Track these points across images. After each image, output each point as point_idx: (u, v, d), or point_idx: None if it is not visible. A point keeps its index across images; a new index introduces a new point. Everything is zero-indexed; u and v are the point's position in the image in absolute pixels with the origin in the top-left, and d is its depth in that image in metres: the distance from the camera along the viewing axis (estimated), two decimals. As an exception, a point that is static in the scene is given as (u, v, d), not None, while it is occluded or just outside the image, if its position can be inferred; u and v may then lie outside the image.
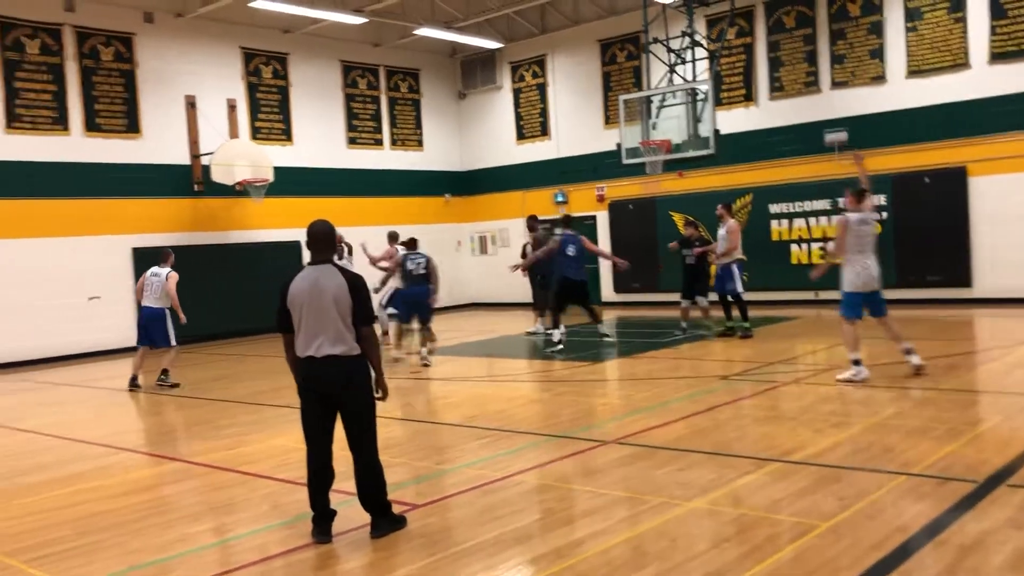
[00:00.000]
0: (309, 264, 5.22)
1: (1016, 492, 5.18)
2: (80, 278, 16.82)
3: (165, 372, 12.22)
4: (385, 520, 5.17)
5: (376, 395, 5.20)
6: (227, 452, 7.78)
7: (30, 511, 6.26)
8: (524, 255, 15.81)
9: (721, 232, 13.24)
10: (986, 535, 4.50)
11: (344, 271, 5.13)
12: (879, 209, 17.13)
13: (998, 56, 15.94)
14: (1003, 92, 15.88)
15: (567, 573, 4.36)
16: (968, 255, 16.38)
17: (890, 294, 16.74)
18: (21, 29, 16.33)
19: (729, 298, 13.30)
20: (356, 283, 5.10)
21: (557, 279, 13.62)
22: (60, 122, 16.79)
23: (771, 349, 12.02)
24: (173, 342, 12.13)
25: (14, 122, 16.22)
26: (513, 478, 6.24)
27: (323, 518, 5.15)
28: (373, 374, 5.20)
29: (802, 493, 5.43)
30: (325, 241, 5.23)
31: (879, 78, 17.22)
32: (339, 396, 5.07)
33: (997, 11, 15.87)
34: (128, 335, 17.31)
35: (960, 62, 16.33)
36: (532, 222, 15.70)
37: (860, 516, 4.91)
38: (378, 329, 13.06)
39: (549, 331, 13.83)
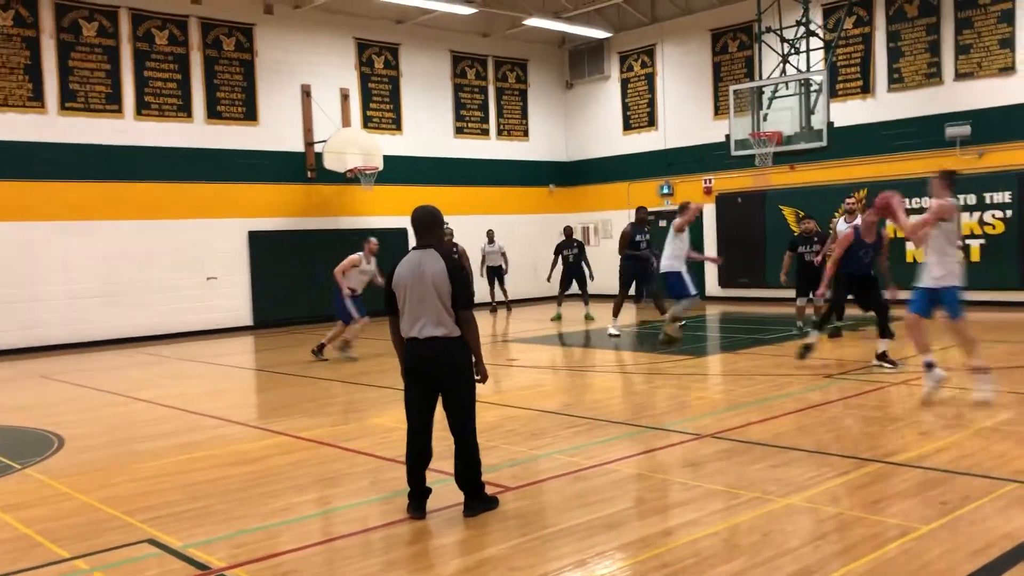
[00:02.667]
0: (413, 248, 5.36)
1: None
2: (200, 259, 17.65)
3: (344, 343, 12.75)
4: (478, 500, 5.29)
5: (476, 378, 5.32)
6: (331, 428, 8.07)
7: (146, 475, 6.65)
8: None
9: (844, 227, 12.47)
10: (1100, 548, 4.29)
11: (446, 256, 5.23)
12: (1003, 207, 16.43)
13: None
14: None
15: (654, 561, 4.38)
16: (1100, 257, 15.46)
17: (1013, 296, 16.06)
18: (151, 21, 17.20)
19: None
20: (456, 268, 5.22)
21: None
22: (184, 109, 17.62)
23: (880, 349, 11.62)
24: (345, 318, 12.62)
25: (143, 109, 17.10)
26: (606, 466, 6.27)
27: (418, 495, 5.30)
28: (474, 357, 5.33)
29: (903, 495, 5.28)
30: (427, 226, 5.33)
31: (1007, 69, 16.37)
32: (440, 377, 5.21)
33: None
34: (242, 315, 18.19)
35: (1099, 52, 15.38)
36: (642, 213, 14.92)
37: (963, 522, 4.75)
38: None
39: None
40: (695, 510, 5.19)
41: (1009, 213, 16.28)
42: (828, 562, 4.26)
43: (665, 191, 21.74)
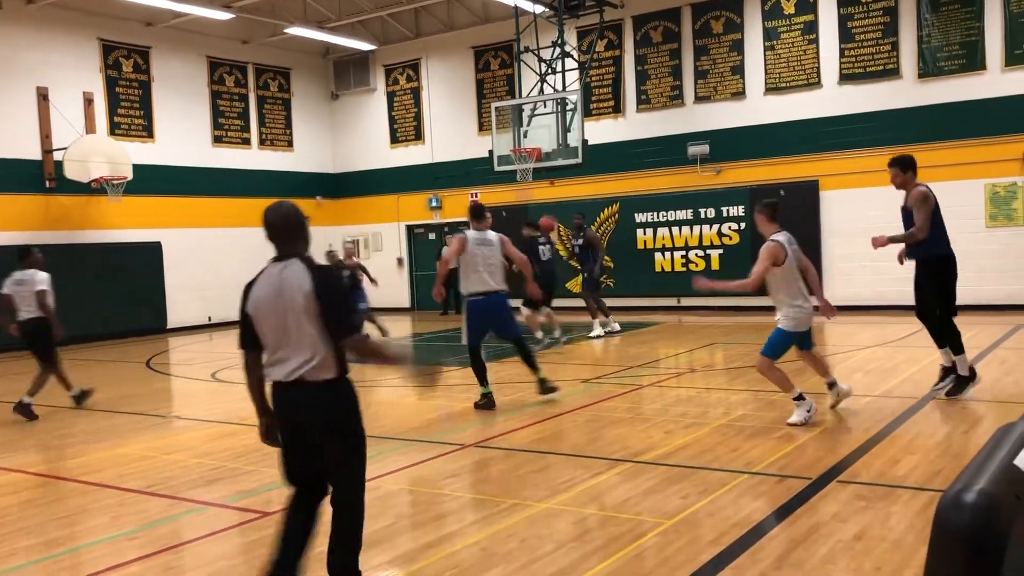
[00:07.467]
0: (272, 260, 3.99)
1: (844, 488, 5.49)
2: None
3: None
4: None
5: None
6: (69, 461, 7.41)
7: None
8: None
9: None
10: (814, 529, 4.75)
11: (315, 268, 3.92)
12: (738, 220, 17.94)
13: (846, 77, 16.92)
14: (850, 111, 16.86)
15: (414, 577, 4.36)
16: (819, 265, 17.27)
17: (733, 301, 17.60)
18: None
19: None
20: (329, 283, 3.93)
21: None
22: None
23: (635, 353, 12.34)
24: None
25: None
26: (370, 483, 6.14)
27: None
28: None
29: (649, 492, 5.59)
30: (289, 229, 3.97)
31: (739, 94, 17.98)
32: (313, 432, 4.01)
33: (845, 35, 16.86)
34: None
35: (813, 81, 17.24)
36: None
37: (701, 513, 5.11)
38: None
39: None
40: (455, 522, 5.23)
41: (743, 225, 17.85)
42: (583, 562, 4.42)
43: (433, 204, 21.95)
